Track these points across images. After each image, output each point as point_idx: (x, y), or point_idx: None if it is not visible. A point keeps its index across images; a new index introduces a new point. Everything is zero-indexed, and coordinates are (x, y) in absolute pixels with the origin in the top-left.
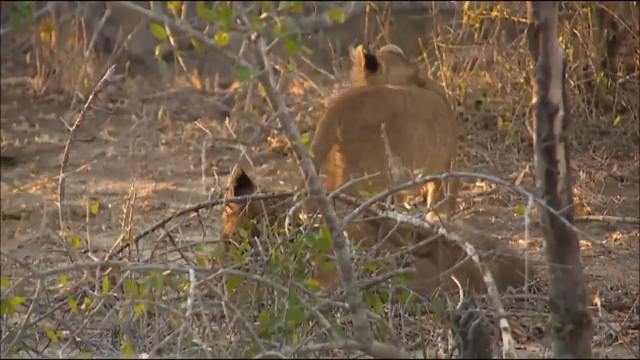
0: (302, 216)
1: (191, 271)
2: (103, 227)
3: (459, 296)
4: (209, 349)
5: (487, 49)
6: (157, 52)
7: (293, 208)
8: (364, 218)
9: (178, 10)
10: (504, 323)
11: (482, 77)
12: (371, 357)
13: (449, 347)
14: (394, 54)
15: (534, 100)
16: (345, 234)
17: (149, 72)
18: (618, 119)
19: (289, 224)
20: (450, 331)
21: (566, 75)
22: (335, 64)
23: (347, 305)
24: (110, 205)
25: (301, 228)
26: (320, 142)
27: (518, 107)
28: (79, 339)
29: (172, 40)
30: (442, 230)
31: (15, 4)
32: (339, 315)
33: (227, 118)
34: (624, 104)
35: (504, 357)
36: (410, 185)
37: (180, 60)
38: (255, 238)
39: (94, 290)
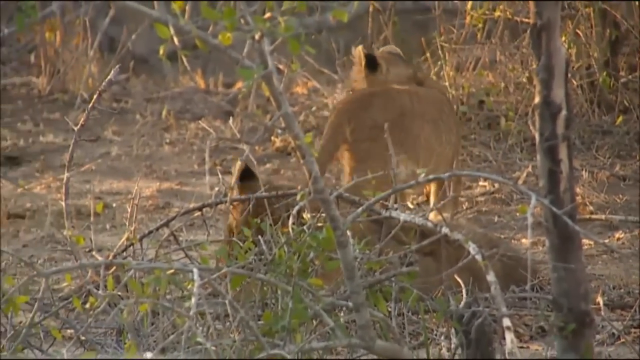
0: (306, 215)
1: (195, 270)
2: (107, 227)
3: (462, 295)
4: (213, 347)
5: (490, 49)
6: (161, 52)
7: (297, 207)
8: (368, 217)
9: (182, 10)
10: (506, 322)
11: (485, 77)
12: (374, 356)
13: (452, 346)
14: (393, 54)
15: (537, 99)
16: (348, 233)
17: (153, 71)
18: (620, 118)
19: (293, 223)
20: (453, 330)
21: (569, 75)
22: (338, 63)
23: (350, 304)
24: (114, 205)
25: (305, 227)
26: (329, 142)
27: (521, 106)
28: (83, 338)
29: (176, 40)
30: (445, 229)
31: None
32: (342, 314)
33: (231, 117)
34: (627, 104)
35: (506, 356)
36: (413, 184)
37: (184, 59)
38: (259, 237)
39: (98, 289)
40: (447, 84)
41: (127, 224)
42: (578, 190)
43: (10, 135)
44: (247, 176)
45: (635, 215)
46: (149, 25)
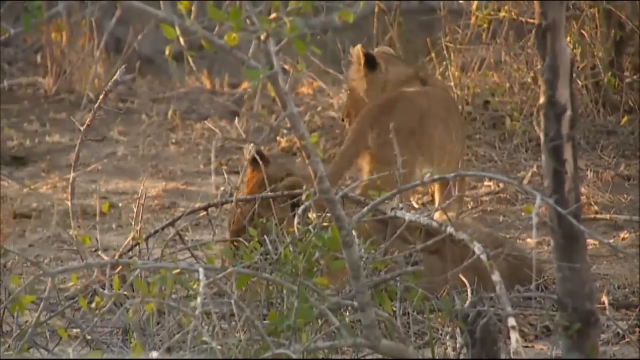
0: (312, 215)
1: (201, 270)
2: (113, 226)
3: (468, 295)
4: (219, 347)
5: (495, 50)
6: (167, 53)
7: (303, 207)
8: (373, 217)
9: (188, 11)
10: (512, 322)
11: (491, 77)
12: (380, 356)
13: (458, 345)
14: (393, 55)
15: (542, 100)
16: (354, 233)
17: (160, 72)
18: (625, 118)
19: (299, 223)
20: (458, 330)
21: (574, 76)
22: (344, 64)
23: (356, 303)
24: (120, 205)
25: (311, 227)
26: (351, 147)
27: (526, 107)
28: (89, 338)
29: (182, 40)
30: (450, 229)
31: (27, 4)
32: (348, 313)
33: (236, 118)
34: (632, 104)
35: (512, 356)
36: (419, 184)
37: (191, 60)
38: (265, 237)
39: (104, 289)
40: (452, 84)
41: (133, 223)
42: (583, 190)
43: (17, 135)
44: (259, 159)
45: None
46: (155, 26)
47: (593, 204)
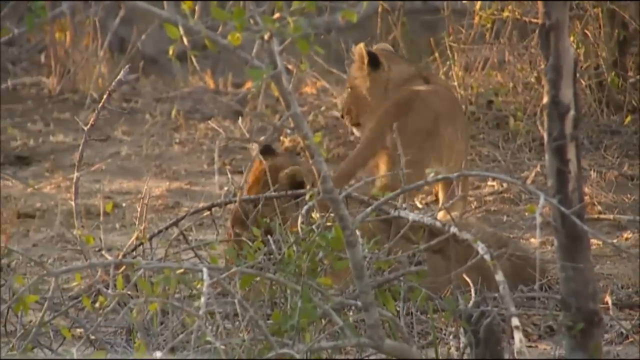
0: (315, 215)
1: (204, 269)
2: (117, 226)
3: (471, 294)
4: (222, 347)
5: (498, 49)
6: (170, 52)
7: (306, 207)
8: (377, 217)
9: (191, 11)
10: (515, 321)
11: (494, 77)
12: (383, 355)
13: (461, 345)
14: (390, 52)
15: (545, 99)
16: (357, 232)
17: (163, 71)
18: (629, 118)
19: (302, 223)
20: (462, 329)
21: (577, 75)
22: (347, 63)
23: (359, 303)
24: (124, 204)
25: (314, 227)
26: (367, 147)
27: (529, 106)
28: (93, 337)
29: (185, 40)
30: (453, 229)
31: (30, 4)
32: (351, 313)
33: (240, 117)
34: (635, 104)
35: (515, 356)
36: (422, 184)
37: (194, 60)
38: (269, 237)
39: (108, 289)
40: (455, 84)
41: (136, 223)
42: (586, 190)
43: (21, 135)
44: (267, 152)
45: None
46: (158, 26)
47: (596, 203)
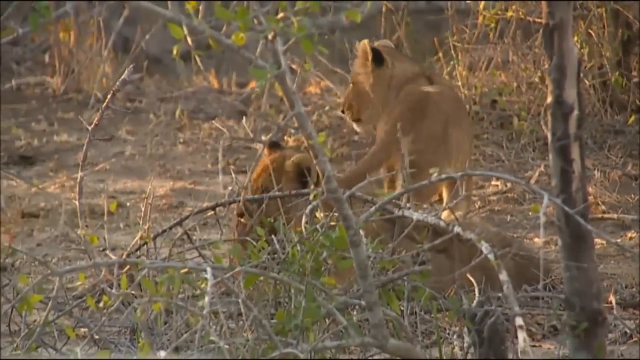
0: (319, 214)
1: (208, 269)
2: (121, 226)
3: (475, 294)
4: (226, 346)
5: (502, 49)
6: (174, 52)
7: (310, 206)
8: (380, 217)
9: (195, 11)
10: (519, 321)
11: (498, 77)
12: (387, 355)
13: (465, 344)
14: (393, 49)
15: (549, 99)
16: (361, 232)
17: (167, 71)
18: (633, 118)
19: (306, 222)
20: (466, 329)
21: (581, 75)
22: (351, 63)
23: (363, 303)
24: (128, 204)
25: (318, 226)
26: (382, 150)
27: (533, 106)
28: (97, 337)
29: (189, 40)
30: (457, 229)
31: (34, 4)
32: (355, 313)
33: (244, 117)
34: (639, 103)
35: (519, 355)
36: (426, 184)
37: (198, 59)
38: (273, 236)
39: (112, 288)
40: (459, 83)
41: (140, 223)
42: (590, 189)
43: (25, 134)
44: (274, 147)
45: None
46: (162, 26)
47: (600, 203)
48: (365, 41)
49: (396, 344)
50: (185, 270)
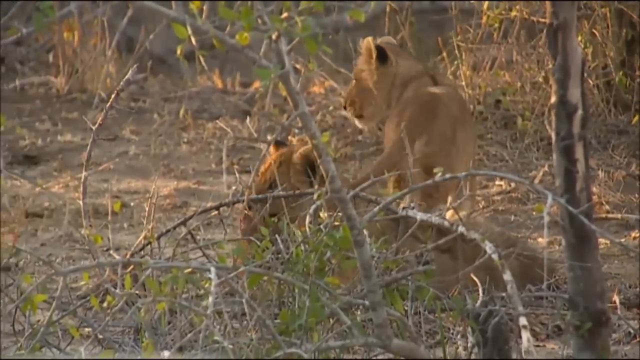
0: (323, 214)
1: (212, 269)
2: (125, 225)
3: (479, 294)
4: (230, 346)
5: (506, 49)
6: (178, 52)
7: (314, 206)
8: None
9: (199, 10)
10: (523, 321)
11: (502, 77)
12: (391, 355)
13: (469, 344)
14: (396, 46)
15: (553, 99)
16: (365, 232)
17: (171, 71)
18: (636, 118)
19: (310, 222)
20: (469, 329)
21: (585, 75)
22: (355, 63)
23: (367, 302)
24: (132, 204)
25: (322, 226)
26: (393, 155)
27: (537, 106)
28: (101, 337)
29: (193, 39)
30: (461, 229)
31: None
32: (359, 312)
33: (248, 117)
34: None
35: (523, 355)
36: (430, 183)
37: (202, 59)
38: (276, 236)
39: (116, 288)
40: (463, 83)
41: (144, 222)
42: (594, 189)
43: (29, 134)
44: (279, 145)
45: None
46: (166, 25)
47: (604, 203)
48: (370, 38)
49: (400, 344)
50: (189, 270)
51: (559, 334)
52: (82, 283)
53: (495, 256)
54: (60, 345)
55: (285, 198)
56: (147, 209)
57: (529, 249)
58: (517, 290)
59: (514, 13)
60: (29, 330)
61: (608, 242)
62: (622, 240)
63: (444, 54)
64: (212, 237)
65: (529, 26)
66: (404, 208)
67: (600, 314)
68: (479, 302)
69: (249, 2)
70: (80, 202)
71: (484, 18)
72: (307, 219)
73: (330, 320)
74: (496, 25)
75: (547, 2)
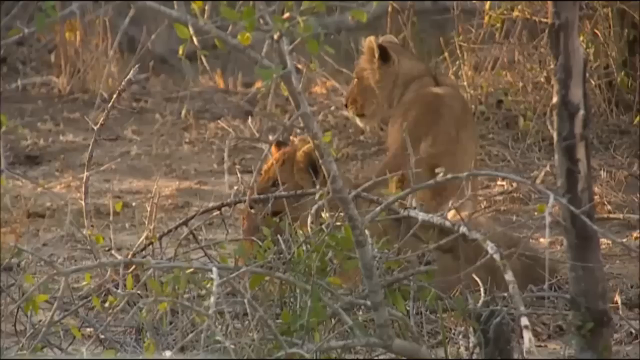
0: (325, 214)
1: (214, 269)
2: (127, 226)
3: (480, 294)
4: (232, 346)
5: (508, 49)
6: (180, 52)
7: (316, 206)
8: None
9: (201, 10)
10: (524, 321)
11: (504, 77)
12: (393, 355)
13: (470, 344)
14: (398, 45)
15: (555, 99)
16: (367, 232)
17: (173, 71)
18: (638, 118)
19: (312, 222)
20: (471, 329)
21: (587, 75)
22: (357, 63)
23: (368, 303)
24: (134, 204)
25: (323, 226)
26: (399, 156)
27: (539, 106)
28: (102, 337)
29: (195, 39)
30: (463, 229)
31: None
32: (360, 313)
33: (250, 117)
34: None
35: (524, 355)
36: (432, 184)
37: (204, 59)
38: (278, 236)
39: (117, 288)
40: (465, 83)
41: (146, 223)
42: (596, 189)
43: (31, 134)
44: (282, 144)
45: None
46: (168, 25)
47: (606, 203)
48: (372, 37)
49: (402, 344)
50: (191, 270)
51: (561, 334)
52: (84, 283)
53: (497, 256)
54: (62, 346)
55: (289, 192)
56: (148, 209)
57: (531, 249)
58: (518, 291)
59: (515, 13)
60: (31, 331)
61: (610, 242)
62: (624, 240)
63: (446, 54)
64: (213, 237)
65: (530, 26)
66: (405, 208)
67: (601, 314)
68: (480, 302)
69: (251, 2)
70: (82, 202)
71: (486, 18)
72: (309, 219)
73: (332, 320)
74: (498, 25)
75: (549, 2)
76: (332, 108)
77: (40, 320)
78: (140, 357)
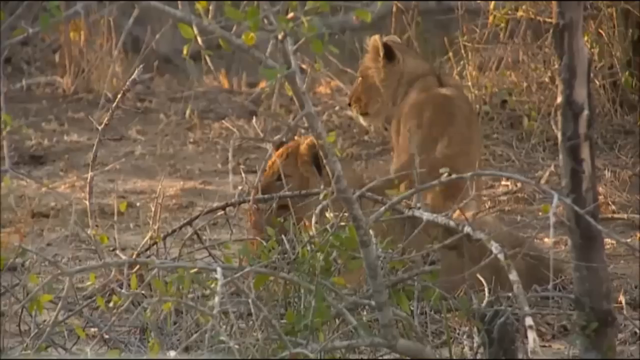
0: (329, 214)
1: (218, 269)
2: (131, 225)
3: (485, 294)
4: (236, 346)
5: (512, 49)
6: (185, 52)
7: (320, 206)
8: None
9: (205, 10)
10: (529, 321)
11: (508, 77)
12: (397, 355)
13: (475, 344)
14: (403, 45)
15: (559, 99)
16: (371, 232)
17: (177, 71)
18: None
19: (316, 222)
20: (475, 329)
21: (591, 75)
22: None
23: (373, 303)
24: (138, 204)
25: (328, 226)
26: (409, 163)
27: (543, 106)
28: (107, 337)
29: (199, 39)
30: (467, 229)
31: (45, 4)
32: (365, 313)
33: (254, 117)
34: None
35: (529, 355)
36: (436, 184)
37: (208, 59)
38: (283, 236)
39: (122, 288)
40: (469, 83)
41: (150, 223)
42: (600, 189)
43: (35, 134)
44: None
45: None
46: (172, 25)
47: (610, 203)
48: (377, 36)
49: (406, 344)
50: (195, 270)
51: (565, 334)
52: (88, 283)
53: (501, 256)
54: (66, 345)
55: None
56: (153, 209)
57: (535, 249)
58: (523, 291)
59: (520, 13)
60: (35, 330)
61: (614, 242)
62: (628, 240)
63: (450, 54)
64: (218, 237)
65: (535, 26)
66: (410, 208)
67: (606, 314)
68: (485, 302)
69: (255, 2)
70: (87, 202)
71: (490, 18)
72: (314, 219)
73: (336, 320)
74: (502, 25)
75: (553, 2)
76: (337, 108)
77: (44, 320)
78: (145, 357)
